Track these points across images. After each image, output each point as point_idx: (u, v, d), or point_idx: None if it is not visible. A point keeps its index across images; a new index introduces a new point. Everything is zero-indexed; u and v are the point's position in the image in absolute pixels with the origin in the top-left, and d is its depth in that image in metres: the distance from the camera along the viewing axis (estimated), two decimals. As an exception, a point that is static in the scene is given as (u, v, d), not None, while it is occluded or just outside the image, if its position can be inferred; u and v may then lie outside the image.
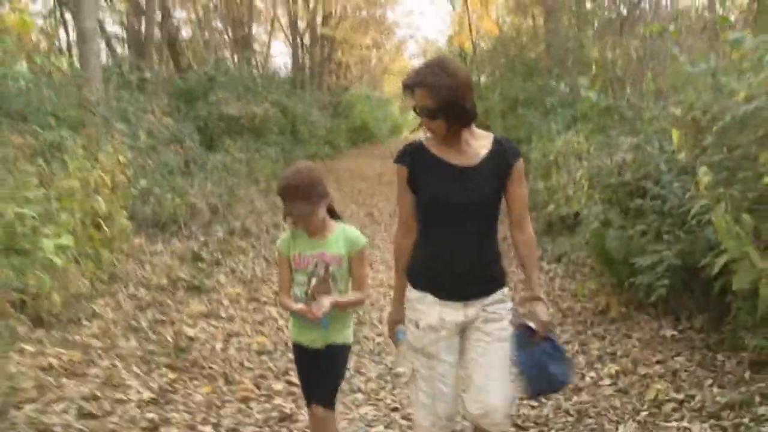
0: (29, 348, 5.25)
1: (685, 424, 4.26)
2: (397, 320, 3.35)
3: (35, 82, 10.82)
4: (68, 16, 17.96)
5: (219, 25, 29.09)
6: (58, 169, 7.28)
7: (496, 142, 3.14)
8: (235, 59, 27.06)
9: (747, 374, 4.69)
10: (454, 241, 3.10)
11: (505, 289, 3.19)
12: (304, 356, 3.61)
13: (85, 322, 6.07)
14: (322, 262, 3.46)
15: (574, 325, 6.30)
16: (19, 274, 5.75)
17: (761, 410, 4.23)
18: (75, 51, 19.12)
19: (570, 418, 4.50)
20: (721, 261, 4.66)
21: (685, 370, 4.99)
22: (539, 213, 9.12)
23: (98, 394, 4.73)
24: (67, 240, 6.32)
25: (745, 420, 4.18)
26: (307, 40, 33.14)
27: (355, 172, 20.68)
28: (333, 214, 3.57)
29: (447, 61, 3.04)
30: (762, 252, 4.60)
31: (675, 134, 5.52)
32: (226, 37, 29.62)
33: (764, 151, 4.96)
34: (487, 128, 3.52)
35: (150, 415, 4.49)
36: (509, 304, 3.18)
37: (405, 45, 48.39)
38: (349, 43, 34.91)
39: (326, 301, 3.36)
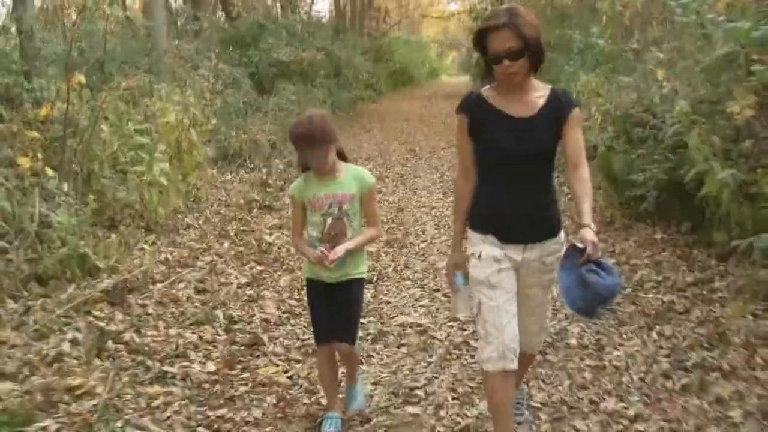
0: (147, 247, 6.69)
1: (659, 296, 5.56)
2: (456, 264, 3.44)
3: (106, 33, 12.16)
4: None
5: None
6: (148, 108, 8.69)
7: (553, 93, 3.21)
8: (278, 6, 28.27)
9: (713, 262, 5.95)
10: (512, 189, 3.20)
11: (561, 235, 3.31)
12: (320, 291, 3.76)
13: (183, 231, 7.50)
14: (336, 202, 3.62)
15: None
16: (132, 192, 7.18)
17: (716, 284, 5.52)
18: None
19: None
20: (692, 172, 5.90)
21: (667, 261, 6.27)
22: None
23: (207, 278, 6.17)
24: (165, 166, 7.71)
25: (704, 292, 5.47)
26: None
27: (397, 113, 21.86)
28: (342, 156, 3.71)
29: (518, 7, 3.12)
30: (725, 166, 5.81)
31: (659, 73, 6.70)
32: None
33: (738, 85, 6.13)
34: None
35: (249, 292, 5.91)
36: (561, 252, 3.23)
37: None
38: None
39: (340, 250, 3.55)
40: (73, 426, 3.74)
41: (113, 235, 6.53)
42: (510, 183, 3.19)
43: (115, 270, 5.88)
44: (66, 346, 4.57)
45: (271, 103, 14.94)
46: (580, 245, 2.96)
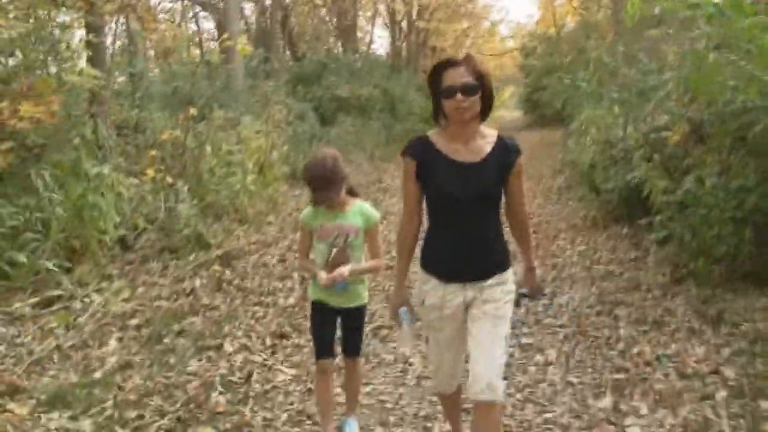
0: (241, 233, 9.13)
1: (607, 266, 7.77)
2: (400, 302, 3.53)
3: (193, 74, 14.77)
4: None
5: (326, 16, 32.92)
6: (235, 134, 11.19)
7: (500, 140, 3.31)
8: (339, 46, 30.99)
9: (653, 247, 8.11)
10: (457, 230, 3.30)
11: (507, 273, 3.40)
12: (325, 314, 4.07)
13: (266, 225, 9.94)
14: (342, 233, 3.88)
15: (573, 232, 9.76)
16: (230, 195, 9.65)
17: (648, 260, 7.69)
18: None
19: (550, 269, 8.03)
20: (635, 179, 8.10)
21: (621, 247, 8.47)
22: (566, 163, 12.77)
23: (286, 254, 8.57)
24: (252, 177, 10.18)
25: (639, 264, 7.66)
26: (404, 26, 36.55)
27: (445, 144, 24.18)
28: (351, 191, 3.98)
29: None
30: (662, 175, 7.98)
31: (616, 108, 8.95)
32: (330, 25, 33.42)
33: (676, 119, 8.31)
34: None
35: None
36: (508, 286, 3.39)
37: (497, 28, 50.79)
38: (441, 32, 38.08)
39: (345, 269, 3.83)
40: (209, 322, 6.14)
41: (216, 224, 8.99)
42: (455, 225, 3.30)
43: (220, 245, 8.32)
44: (197, 284, 7.01)
45: (332, 133, 17.41)
46: (524, 291, 3.44)
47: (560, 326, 6.11)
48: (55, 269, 6.58)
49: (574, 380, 4.99)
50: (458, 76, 3.13)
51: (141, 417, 4.52)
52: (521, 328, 6.06)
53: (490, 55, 54.05)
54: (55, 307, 6.23)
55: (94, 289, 6.74)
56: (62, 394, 4.75)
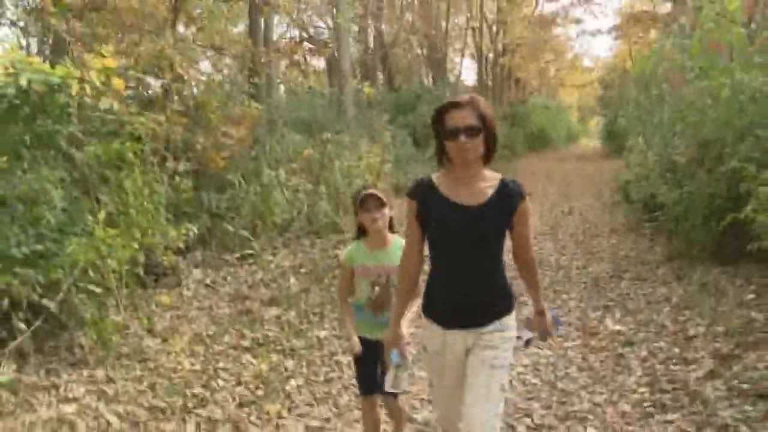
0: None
1: (629, 253, 10.74)
2: (393, 342, 3.50)
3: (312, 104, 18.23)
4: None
5: (418, 47, 36.18)
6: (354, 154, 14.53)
7: (503, 184, 3.26)
8: (430, 76, 34.30)
9: (661, 239, 11.03)
10: (458, 273, 3.28)
11: (507, 318, 3.37)
12: (367, 349, 4.04)
13: (377, 222, 13.22)
14: (383, 273, 3.94)
15: (611, 233, 12.72)
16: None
17: (657, 247, 10.64)
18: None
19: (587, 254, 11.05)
20: (649, 192, 11.06)
21: (642, 241, 11.41)
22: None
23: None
24: (368, 185, 13.47)
25: (651, 251, 10.62)
26: (491, 56, 39.39)
27: (526, 170, 26.87)
28: (391, 227, 4.04)
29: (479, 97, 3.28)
30: (671, 188, 10.91)
31: (640, 139, 11.95)
32: (422, 57, 36.69)
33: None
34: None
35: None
36: (508, 333, 3.36)
37: (579, 60, 52.92)
38: (523, 68, 40.89)
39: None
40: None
41: (346, 217, 12.31)
42: (456, 267, 3.28)
43: (350, 231, 11.59)
44: (338, 253, 10.26)
45: (426, 155, 20.67)
46: (530, 336, 3.46)
47: (584, 282, 9.18)
48: (247, 237, 10.00)
49: (583, 305, 8.10)
50: (462, 118, 3.14)
51: (322, 312, 7.82)
52: (557, 284, 9.17)
53: (572, 85, 56.32)
54: (250, 261, 9.63)
55: (270, 253, 10.11)
56: (273, 299, 8.12)
